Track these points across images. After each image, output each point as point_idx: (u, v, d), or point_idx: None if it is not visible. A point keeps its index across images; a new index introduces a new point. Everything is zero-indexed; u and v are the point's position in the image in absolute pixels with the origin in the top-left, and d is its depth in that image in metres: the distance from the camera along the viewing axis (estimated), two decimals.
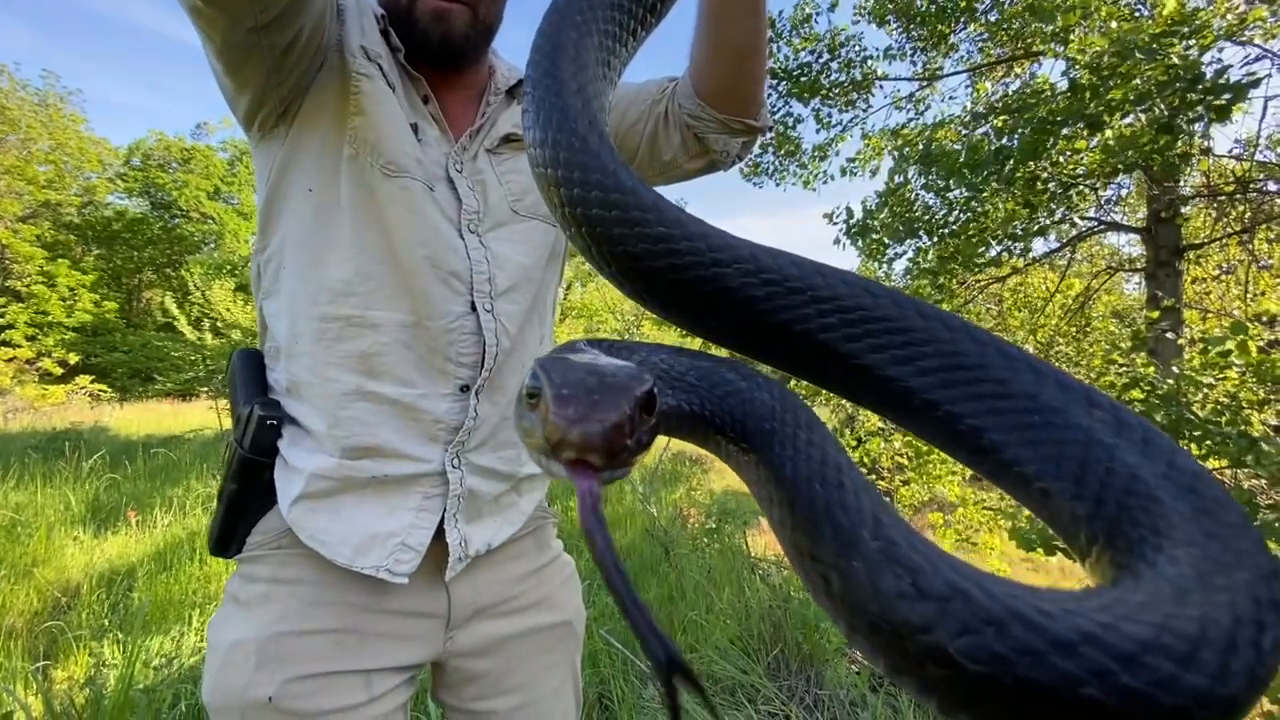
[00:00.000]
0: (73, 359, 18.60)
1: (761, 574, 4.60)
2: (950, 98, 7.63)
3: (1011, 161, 4.54)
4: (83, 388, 15.69)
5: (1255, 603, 0.22)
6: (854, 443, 7.36)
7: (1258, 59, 3.78)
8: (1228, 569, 0.23)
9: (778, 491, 0.31)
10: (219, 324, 13.19)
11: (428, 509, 0.95)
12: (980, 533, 5.52)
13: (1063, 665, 0.20)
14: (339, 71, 0.93)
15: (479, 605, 1.02)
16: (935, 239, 5.71)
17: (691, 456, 12.28)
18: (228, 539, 0.98)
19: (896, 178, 6.31)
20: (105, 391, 16.60)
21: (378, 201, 0.92)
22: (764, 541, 5.45)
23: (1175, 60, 3.43)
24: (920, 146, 5.84)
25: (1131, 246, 8.63)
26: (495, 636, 1.04)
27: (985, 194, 5.20)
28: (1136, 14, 4.62)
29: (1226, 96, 3.16)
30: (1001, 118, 5.07)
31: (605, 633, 3.03)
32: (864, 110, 7.52)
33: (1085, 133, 4.18)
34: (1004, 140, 4.91)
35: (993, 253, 5.68)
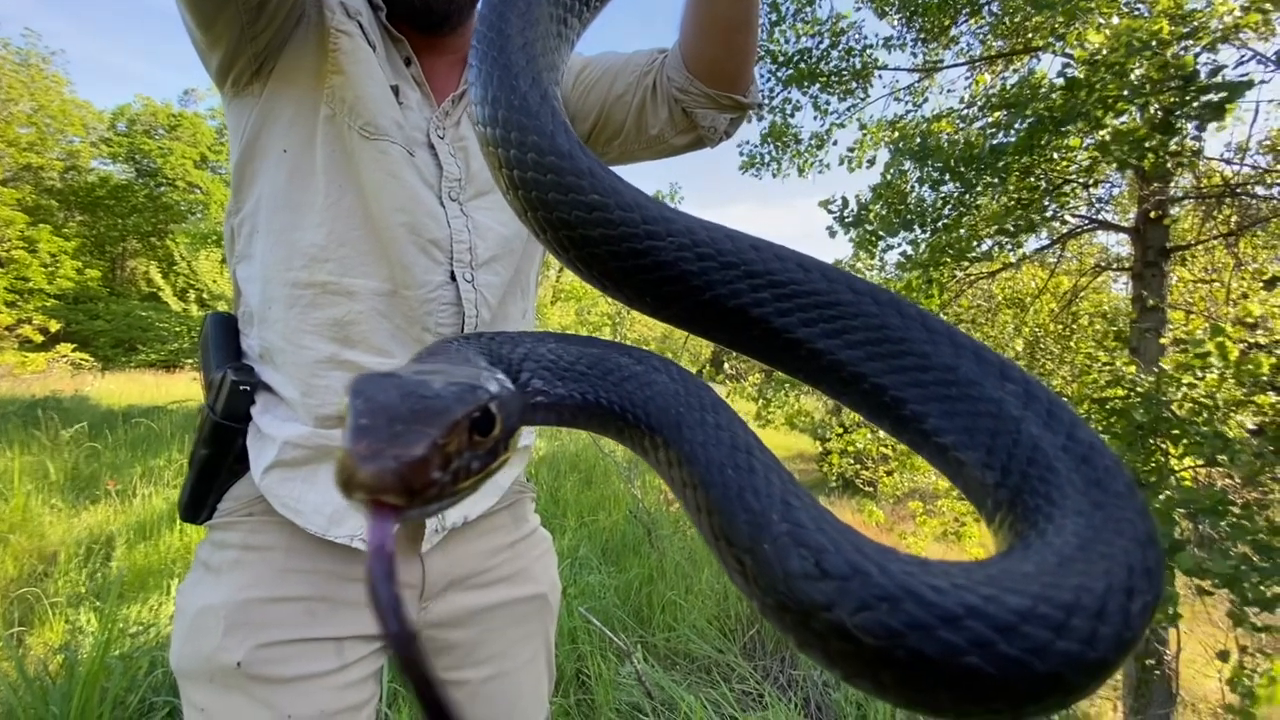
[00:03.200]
0: (54, 326, 18.29)
1: None
2: (948, 90, 7.60)
3: (1006, 157, 4.55)
4: (64, 356, 15.46)
5: (1129, 570, 0.23)
6: (840, 430, 7.42)
7: (1250, 59, 3.79)
8: (1108, 538, 0.25)
9: (690, 476, 0.31)
10: (205, 295, 13.02)
11: None
12: (964, 524, 5.60)
13: (948, 637, 0.21)
14: (317, 28, 0.91)
15: (453, 576, 1.02)
16: (928, 232, 5.72)
17: None
18: (199, 505, 0.97)
19: (892, 170, 6.30)
20: (87, 361, 16.36)
21: (355, 164, 0.90)
22: None
23: (1169, 58, 3.43)
24: (917, 140, 5.83)
25: (1120, 246, 8.70)
26: (470, 608, 1.04)
27: (979, 188, 5.21)
28: (1135, 12, 4.61)
29: (1221, 95, 3.17)
30: (998, 113, 5.07)
31: (584, 610, 3.06)
32: (862, 99, 7.48)
33: (1081, 128, 4.18)
34: (1000, 135, 4.91)
35: (984, 247, 5.70)
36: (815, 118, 7.64)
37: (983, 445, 0.30)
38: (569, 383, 0.38)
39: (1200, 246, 5.91)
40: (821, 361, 0.35)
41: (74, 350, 16.12)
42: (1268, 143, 5.18)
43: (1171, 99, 3.62)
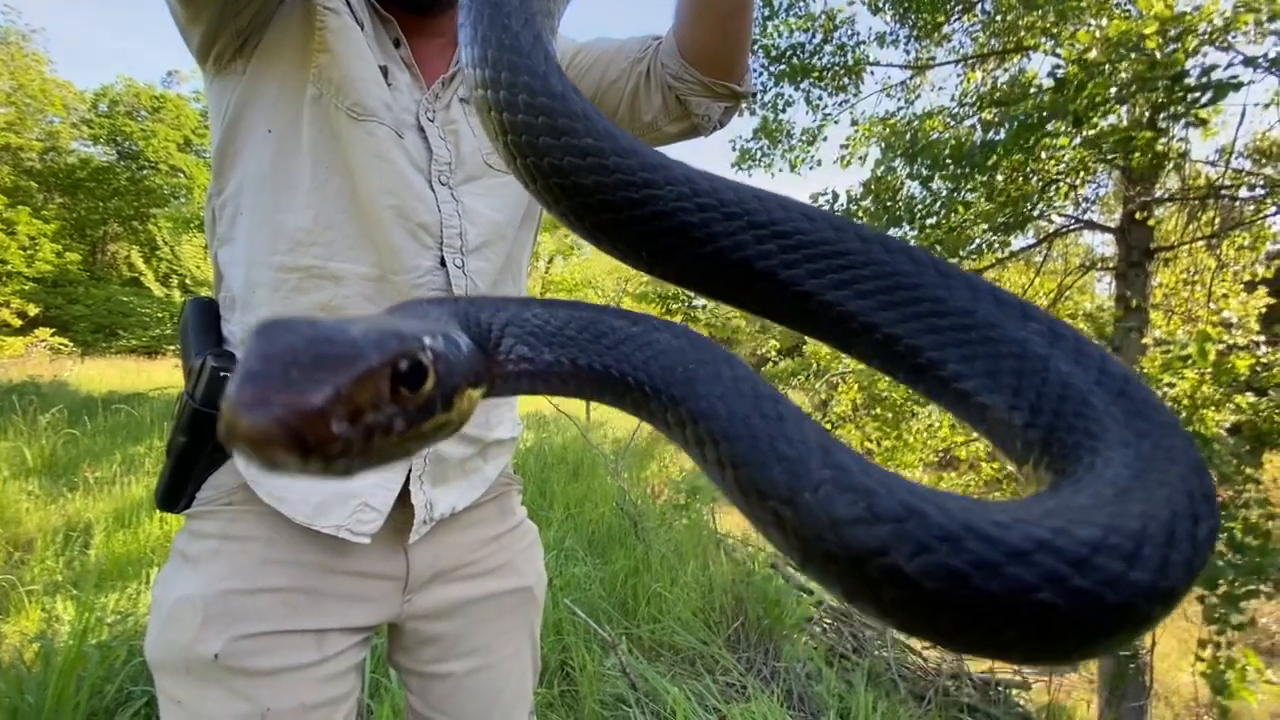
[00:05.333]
0: (32, 310, 17.94)
1: (727, 549, 4.67)
2: (939, 88, 7.63)
3: (995, 156, 4.57)
4: (42, 341, 15.19)
5: (1190, 497, 0.23)
6: (829, 426, 7.46)
7: (1238, 61, 3.82)
8: (1162, 466, 0.24)
9: (709, 432, 0.29)
10: (188, 281, 12.83)
11: (392, 469, 0.93)
12: None
13: (1017, 573, 0.20)
14: (303, 5, 0.88)
15: (438, 569, 1.01)
16: (917, 229, 5.75)
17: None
18: (176, 493, 0.95)
19: (882, 166, 6.32)
20: (66, 346, 16.08)
21: (342, 146, 0.88)
22: (732, 518, 5.52)
23: (1159, 57, 3.46)
24: (907, 137, 5.84)
25: (1105, 246, 8.79)
26: (454, 600, 1.03)
27: (969, 187, 5.24)
28: (1126, 13, 4.64)
29: (1208, 95, 3.20)
30: (989, 110, 5.09)
31: (569, 602, 3.06)
32: (854, 95, 7.48)
33: (1070, 127, 4.21)
34: (990, 134, 4.94)
35: (973, 245, 5.74)
36: (807, 113, 7.65)
37: (1008, 387, 0.29)
38: (556, 348, 0.36)
39: (1183, 248, 5.99)
40: (831, 313, 0.33)
41: (53, 335, 15.83)
42: (1252, 145, 5.25)
43: (1159, 98, 3.65)
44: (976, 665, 4.35)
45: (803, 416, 0.27)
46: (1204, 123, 3.27)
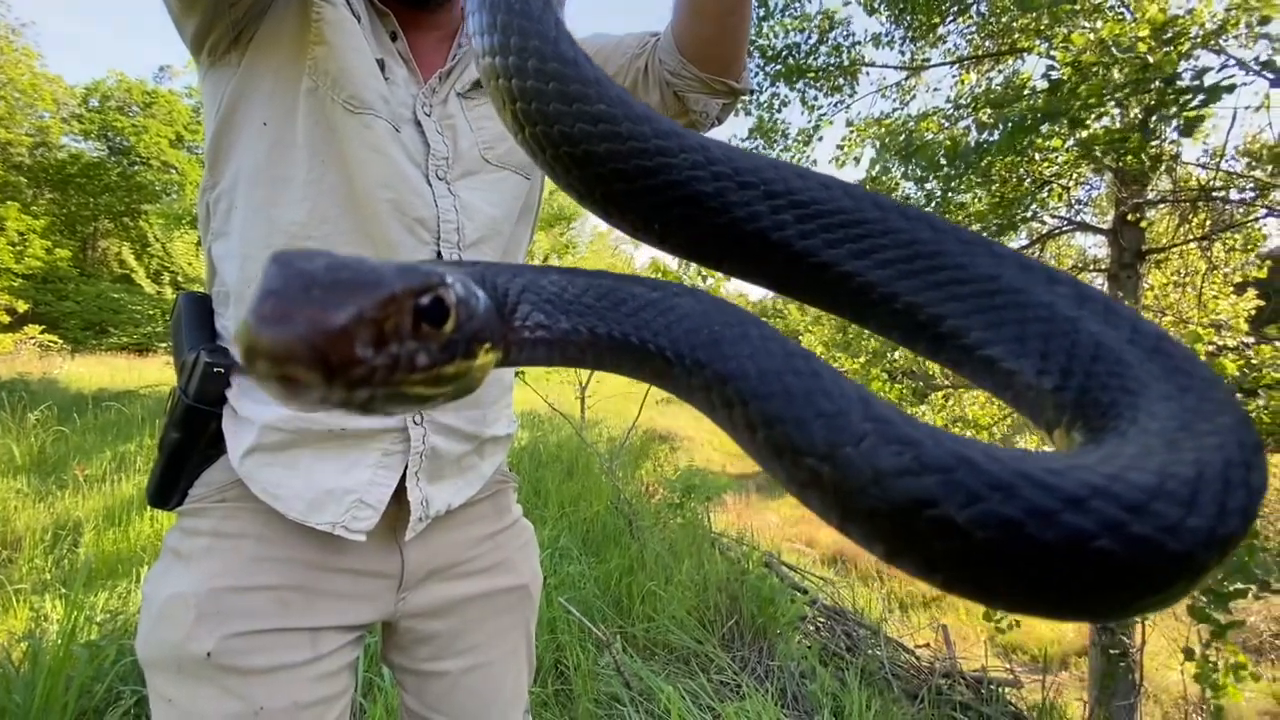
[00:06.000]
0: (22, 307, 17.76)
1: (721, 548, 4.67)
2: (935, 89, 7.66)
3: (989, 157, 4.59)
4: (32, 338, 15.04)
5: (1240, 445, 0.22)
6: None
7: (1229, 65, 3.86)
8: (1209, 416, 0.23)
9: (738, 393, 0.28)
10: (180, 278, 12.74)
11: (388, 466, 0.92)
12: None
13: (1073, 521, 0.19)
14: None
15: (433, 567, 1.01)
16: None
17: (660, 434, 12.36)
18: (168, 490, 0.94)
19: (877, 167, 6.32)
20: (56, 343, 15.93)
21: (338, 139, 0.87)
22: (725, 517, 5.53)
23: (1151, 61, 3.48)
24: (902, 138, 5.86)
25: (1097, 248, 8.85)
26: (449, 598, 1.02)
27: (963, 187, 5.25)
28: (1120, 16, 4.67)
29: (1200, 98, 3.22)
30: (984, 111, 5.11)
31: (564, 600, 3.05)
32: (850, 96, 7.50)
33: (1065, 129, 4.23)
34: (984, 135, 4.96)
35: None
36: (803, 113, 7.65)
37: (1035, 351, 0.29)
38: (574, 316, 0.35)
39: (1174, 250, 6.03)
40: (850, 284, 0.32)
41: (42, 332, 15.68)
42: (1242, 147, 5.29)
43: (1151, 100, 3.67)
44: (969, 664, 4.37)
45: (838, 372, 0.26)
46: (1200, 120, 3.28)
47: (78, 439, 6.31)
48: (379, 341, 0.24)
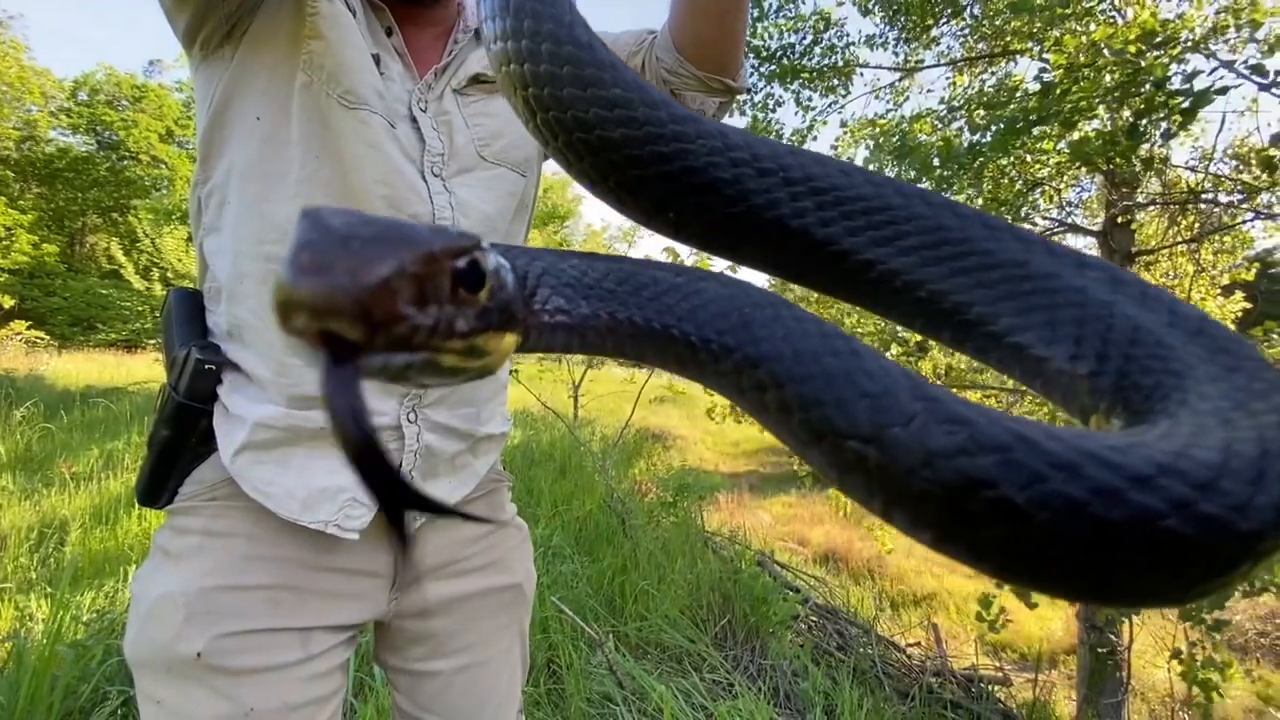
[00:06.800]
0: (8, 303, 17.54)
1: (714, 547, 4.68)
2: (928, 90, 7.69)
3: (981, 159, 4.61)
4: (18, 333, 14.87)
5: None
6: None
7: (1216, 69, 3.89)
8: (1263, 395, 0.23)
9: (774, 376, 0.27)
10: (169, 274, 12.63)
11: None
12: None
13: (1141, 500, 0.19)
14: None
15: (428, 565, 1.00)
16: None
17: (654, 433, 12.36)
18: (158, 489, 0.93)
19: (871, 167, 6.35)
20: (42, 339, 15.76)
21: (333, 134, 0.86)
22: (718, 516, 5.53)
23: (1142, 64, 3.51)
24: (896, 139, 5.88)
25: (1088, 250, 8.92)
26: (443, 597, 1.02)
27: (955, 189, 5.28)
28: (1111, 20, 4.70)
29: (1189, 100, 3.25)
30: (977, 112, 5.14)
31: (556, 600, 3.05)
32: (844, 96, 7.52)
33: (1057, 131, 4.26)
34: (977, 137, 4.98)
35: None
36: (797, 114, 7.67)
37: (1068, 336, 0.28)
38: (594, 301, 0.34)
39: (1163, 252, 6.09)
40: (871, 273, 0.31)
41: (29, 328, 15.50)
42: (1231, 150, 5.34)
43: (1141, 104, 3.70)
44: (960, 663, 4.40)
45: (879, 353, 0.26)
46: (1191, 117, 3.30)
47: (64, 436, 6.24)
48: (420, 300, 0.23)
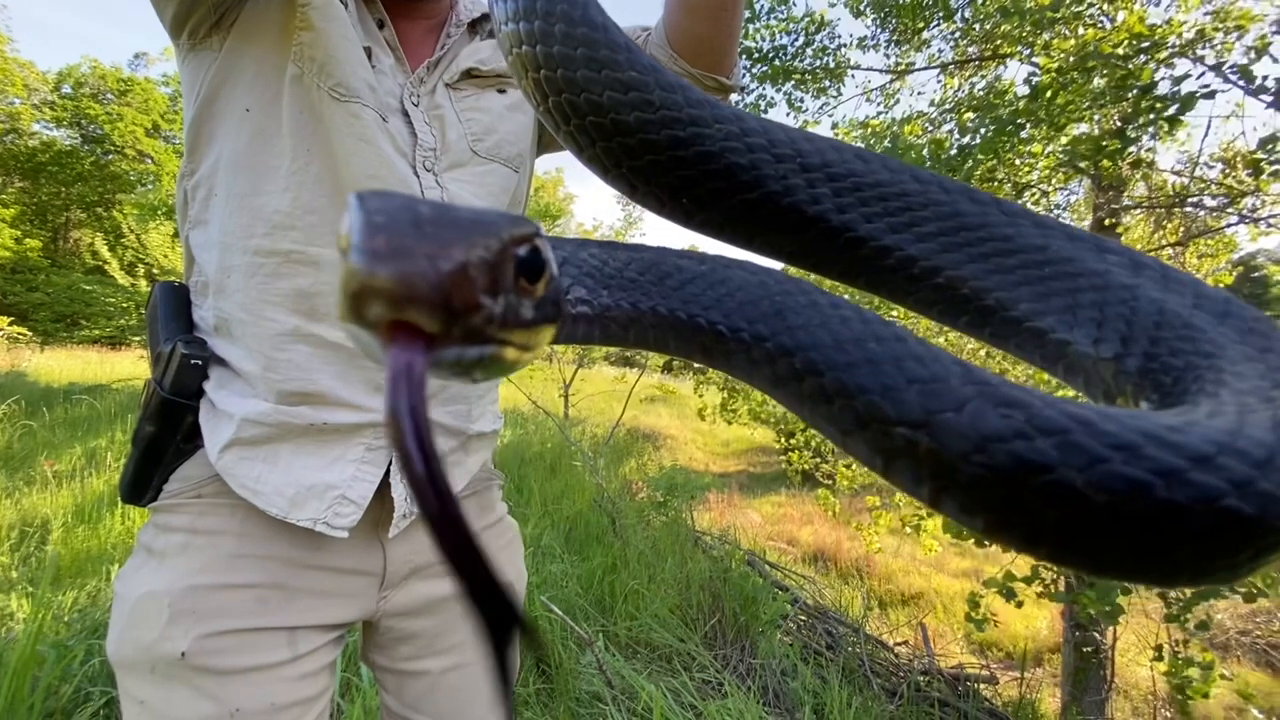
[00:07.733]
0: None
1: (704, 547, 4.69)
2: (919, 93, 7.75)
3: (971, 161, 4.65)
4: (0, 329, 14.65)
5: None
6: (804, 425, 7.54)
7: (1203, 74, 3.95)
8: None
9: (813, 364, 0.26)
10: (154, 270, 12.46)
11: (371, 461, 0.91)
12: (921, 519, 5.74)
13: (1204, 480, 0.18)
14: None
15: (416, 564, 0.99)
16: None
17: (644, 433, 12.37)
18: (142, 486, 0.91)
19: None
20: (24, 335, 15.52)
21: (324, 127, 0.85)
22: (708, 516, 5.54)
23: (1130, 69, 3.55)
24: (887, 141, 5.91)
25: None
26: (432, 597, 1.01)
27: None
28: (1100, 25, 4.75)
29: (1175, 105, 3.29)
30: (967, 114, 5.17)
31: (546, 599, 3.04)
32: (835, 98, 7.56)
33: (1045, 134, 4.30)
34: (967, 139, 5.02)
35: None
36: (788, 114, 7.70)
37: (1090, 320, 0.27)
38: (616, 291, 0.33)
39: (1150, 255, 6.16)
40: (888, 259, 0.31)
41: (10, 324, 15.25)
42: (1217, 154, 5.41)
43: (1128, 109, 3.75)
44: (947, 661, 4.43)
45: (922, 339, 0.25)
46: (1178, 124, 3.34)
47: (46, 434, 6.14)
48: (493, 288, 0.22)
